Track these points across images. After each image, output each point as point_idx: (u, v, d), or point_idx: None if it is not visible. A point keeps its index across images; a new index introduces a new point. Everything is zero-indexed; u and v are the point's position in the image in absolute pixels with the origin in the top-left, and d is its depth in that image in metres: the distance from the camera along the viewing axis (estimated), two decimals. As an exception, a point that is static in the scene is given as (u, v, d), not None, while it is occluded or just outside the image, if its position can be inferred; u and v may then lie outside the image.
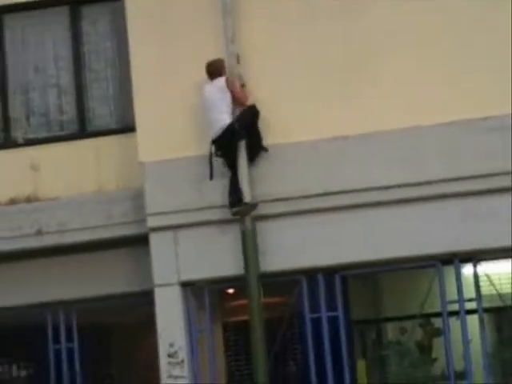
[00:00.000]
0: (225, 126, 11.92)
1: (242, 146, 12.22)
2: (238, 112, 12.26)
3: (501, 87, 12.11)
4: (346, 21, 12.66)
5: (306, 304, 12.47)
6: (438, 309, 12.59)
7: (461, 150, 11.73)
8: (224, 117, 11.97)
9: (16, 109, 14.45)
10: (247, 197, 12.10)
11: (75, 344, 13.67)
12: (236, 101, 12.10)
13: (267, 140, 12.31)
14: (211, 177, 12.44)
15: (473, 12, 12.64)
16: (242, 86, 12.34)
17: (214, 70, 12.20)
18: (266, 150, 12.15)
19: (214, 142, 12.03)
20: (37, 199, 13.49)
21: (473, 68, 12.33)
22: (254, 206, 12.13)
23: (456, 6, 12.62)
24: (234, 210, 12.15)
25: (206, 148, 12.17)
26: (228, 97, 12.05)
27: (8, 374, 16.90)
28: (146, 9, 13.18)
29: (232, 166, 12.24)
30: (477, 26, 12.57)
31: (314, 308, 12.54)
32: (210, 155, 12.23)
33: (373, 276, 14.10)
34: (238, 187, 12.15)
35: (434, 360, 14.03)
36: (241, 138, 12.09)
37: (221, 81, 12.05)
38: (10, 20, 14.44)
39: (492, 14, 12.54)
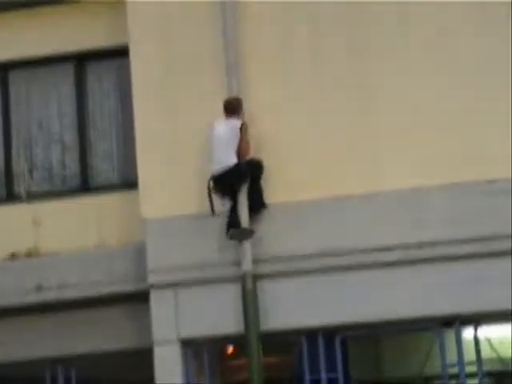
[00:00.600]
0: (231, 165, 11.63)
1: (244, 187, 11.94)
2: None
3: (507, 150, 12.02)
4: (352, 88, 12.45)
5: (306, 365, 12.24)
6: (438, 371, 12.38)
7: (464, 212, 11.65)
8: (231, 156, 11.70)
9: (19, 164, 14.37)
10: (244, 224, 11.85)
11: None
12: (239, 149, 11.85)
13: (269, 198, 12.17)
14: (213, 212, 12.14)
15: (480, 75, 12.43)
16: (249, 143, 12.25)
17: (232, 108, 11.97)
18: (265, 206, 11.92)
19: (215, 178, 11.72)
20: (38, 254, 13.34)
21: (479, 131, 12.24)
22: (251, 231, 11.84)
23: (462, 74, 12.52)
24: (230, 232, 11.89)
25: (207, 206, 11.94)
26: (237, 141, 11.81)
27: None
28: (151, 65, 13.03)
29: (233, 196, 11.88)
30: (484, 89, 12.31)
31: (314, 369, 12.30)
32: (209, 191, 11.97)
33: (373, 337, 13.88)
34: (237, 214, 11.93)
35: None
36: (245, 179, 11.79)
37: (236, 122, 11.78)
38: (14, 76, 14.43)
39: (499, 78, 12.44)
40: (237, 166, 11.77)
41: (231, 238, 11.94)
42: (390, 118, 12.35)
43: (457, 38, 12.54)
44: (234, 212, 11.94)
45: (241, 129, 11.85)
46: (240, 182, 11.92)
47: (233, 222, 11.97)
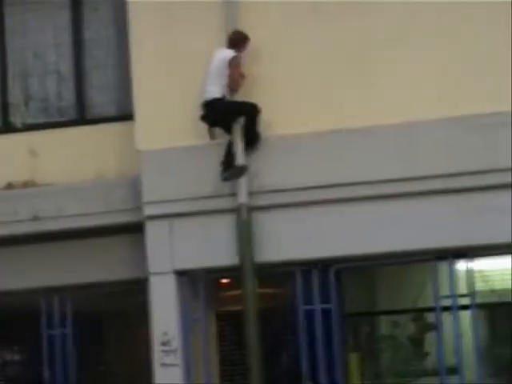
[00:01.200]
0: (209, 98, 11.60)
1: (239, 124, 11.91)
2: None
3: (500, 84, 12.04)
4: (349, 19, 12.41)
5: (300, 296, 12.49)
6: (431, 304, 12.61)
7: (458, 145, 11.64)
8: (214, 89, 11.68)
9: (15, 94, 14.40)
10: (239, 161, 11.99)
11: (69, 330, 13.66)
12: (229, 81, 11.82)
13: (267, 131, 12.23)
14: (211, 137, 12.18)
15: (475, 11, 12.46)
16: (242, 75, 12.12)
17: (232, 40, 11.95)
18: (260, 140, 11.84)
19: (202, 107, 11.69)
20: (34, 185, 13.48)
21: (473, 64, 12.25)
22: (243, 168, 11.93)
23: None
24: (225, 175, 11.97)
25: (203, 138, 12.09)
26: (225, 73, 11.77)
27: (1, 358, 16.93)
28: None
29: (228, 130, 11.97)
30: (477, 22, 12.31)
31: (308, 300, 12.52)
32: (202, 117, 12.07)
33: (367, 270, 14.05)
34: (231, 153, 12.02)
35: (426, 354, 13.99)
36: (234, 116, 11.70)
37: (227, 54, 11.78)
38: (10, 6, 14.34)
39: (493, 12, 12.38)
40: (221, 100, 11.68)
41: (225, 179, 12.01)
42: (387, 53, 12.30)
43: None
44: (229, 152, 11.94)
45: (231, 61, 11.79)
46: (228, 117, 11.85)
47: (227, 163, 11.95)
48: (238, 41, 12.04)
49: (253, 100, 12.38)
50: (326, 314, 12.46)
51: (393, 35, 12.71)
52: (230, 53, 11.85)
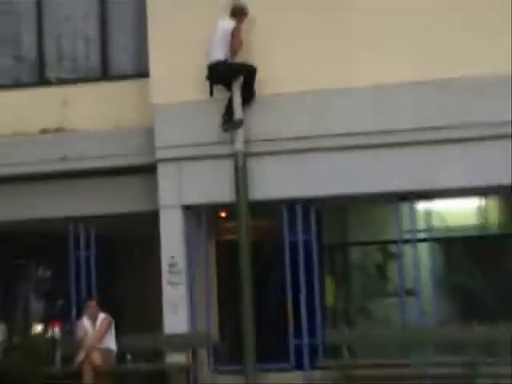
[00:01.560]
0: (214, 61, 13.09)
1: (238, 82, 13.36)
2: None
3: (474, 48, 13.27)
4: None
5: (286, 229, 13.91)
6: (394, 237, 14.19)
7: (425, 105, 13.10)
8: (218, 53, 13.12)
9: (50, 54, 15.71)
10: (237, 115, 13.32)
11: (92, 252, 15.09)
12: (231, 48, 13.24)
13: (260, 90, 13.57)
14: (211, 93, 13.56)
15: None
16: (241, 42, 13.49)
17: (234, 12, 13.36)
18: (255, 97, 13.32)
19: (208, 69, 13.13)
20: (63, 130, 14.82)
21: (448, 29, 13.36)
22: (241, 121, 13.26)
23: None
24: (225, 125, 13.35)
25: (207, 94, 13.48)
26: (228, 40, 13.19)
27: (34, 273, 17.99)
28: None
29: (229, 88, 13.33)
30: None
31: (292, 233, 13.97)
32: (207, 78, 13.42)
33: (342, 208, 15.35)
34: (231, 109, 13.36)
35: (389, 279, 15.40)
36: (234, 75, 13.21)
37: (230, 25, 13.17)
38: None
39: None
40: (223, 62, 13.21)
41: (225, 130, 13.41)
42: (364, 18, 13.60)
43: None
44: (229, 107, 13.39)
45: (233, 32, 13.22)
46: (230, 76, 13.33)
47: (227, 116, 13.45)
48: (238, 13, 13.43)
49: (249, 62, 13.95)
50: (307, 244, 14.03)
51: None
52: (231, 23, 13.26)
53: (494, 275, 15.18)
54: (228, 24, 13.38)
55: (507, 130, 13.06)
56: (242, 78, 13.56)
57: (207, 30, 13.77)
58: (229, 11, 13.70)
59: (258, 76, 13.80)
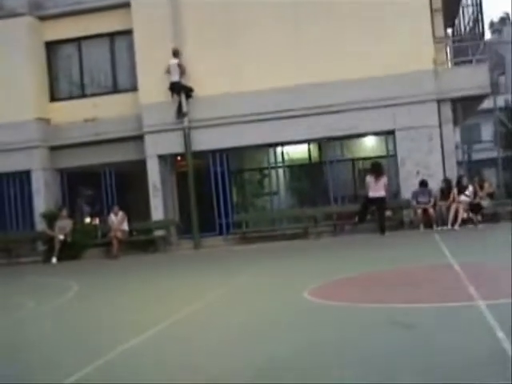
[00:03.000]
0: (173, 81, 19.57)
1: (183, 94, 19.70)
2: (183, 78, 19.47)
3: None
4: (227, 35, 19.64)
5: (211, 164, 20.00)
6: (267, 165, 20.99)
7: (284, 98, 19.10)
8: (175, 76, 19.55)
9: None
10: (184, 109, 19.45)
11: (113, 183, 21.04)
12: (179, 73, 19.56)
13: (197, 92, 19.77)
14: (172, 97, 19.77)
15: None
16: (184, 69, 19.75)
17: (174, 53, 19.69)
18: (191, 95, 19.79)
19: (170, 86, 19.59)
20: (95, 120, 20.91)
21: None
22: (185, 112, 19.45)
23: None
24: (178, 114, 19.72)
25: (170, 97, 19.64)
26: (178, 68, 19.62)
27: (85, 193, 22.97)
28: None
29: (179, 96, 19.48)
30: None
31: (216, 166, 20.13)
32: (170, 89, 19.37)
33: (240, 152, 20.91)
34: (181, 106, 19.80)
35: (264, 187, 21.56)
36: (182, 89, 19.63)
37: (175, 60, 19.57)
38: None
39: None
40: (178, 82, 19.60)
41: (178, 117, 19.63)
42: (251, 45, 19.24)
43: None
44: (180, 105, 19.70)
45: (179, 64, 19.50)
46: (180, 89, 19.71)
47: (178, 111, 19.76)
48: (176, 53, 19.65)
49: (192, 80, 19.75)
50: (222, 171, 20.25)
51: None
52: (175, 60, 19.58)
53: (309, 183, 20.93)
54: (174, 61, 19.65)
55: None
56: (185, 91, 19.85)
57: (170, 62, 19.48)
58: (172, 53, 19.69)
59: (193, 85, 19.89)
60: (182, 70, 20.07)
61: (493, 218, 18.81)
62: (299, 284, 9.54)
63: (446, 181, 18.87)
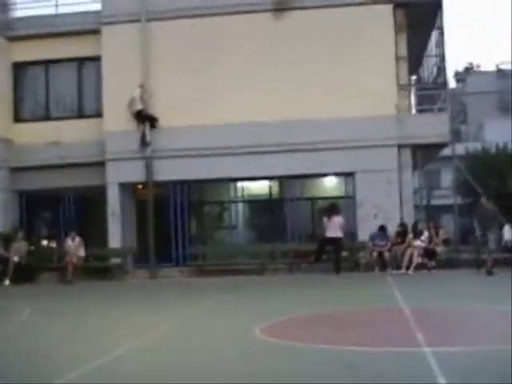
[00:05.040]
0: (137, 109, 19.83)
1: (148, 123, 19.90)
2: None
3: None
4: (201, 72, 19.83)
5: (172, 195, 20.22)
6: (227, 199, 21.32)
7: (258, 133, 19.43)
8: (139, 105, 19.76)
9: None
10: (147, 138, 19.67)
11: (72, 205, 21.27)
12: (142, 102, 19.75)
13: (163, 123, 19.95)
14: (137, 126, 19.87)
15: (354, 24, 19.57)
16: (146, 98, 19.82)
17: (140, 85, 19.92)
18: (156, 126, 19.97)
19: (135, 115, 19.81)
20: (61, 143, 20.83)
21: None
22: (149, 142, 19.65)
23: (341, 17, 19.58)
24: (142, 144, 19.89)
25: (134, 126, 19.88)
26: (139, 99, 19.88)
27: (44, 216, 23.32)
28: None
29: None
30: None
31: (176, 196, 20.25)
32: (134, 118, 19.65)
33: (202, 183, 21.14)
34: (144, 135, 20.02)
35: (224, 220, 21.71)
36: (147, 119, 19.82)
37: (137, 91, 19.88)
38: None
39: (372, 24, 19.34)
40: (141, 111, 19.81)
41: (142, 146, 19.81)
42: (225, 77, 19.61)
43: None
44: (143, 134, 19.95)
45: (141, 96, 19.75)
46: (145, 119, 19.91)
47: (142, 141, 19.98)
48: (142, 86, 19.97)
49: (157, 110, 19.94)
50: (182, 202, 20.37)
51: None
52: (138, 91, 19.83)
53: (268, 219, 20.94)
54: (137, 92, 19.96)
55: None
56: (149, 120, 20.05)
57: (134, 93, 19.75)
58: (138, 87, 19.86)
59: (159, 115, 20.05)
60: (144, 100, 20.32)
61: (447, 264, 19.08)
62: (251, 320, 9.70)
63: (403, 225, 19.24)
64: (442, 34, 21.15)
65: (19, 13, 22.70)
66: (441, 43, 21.22)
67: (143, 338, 8.80)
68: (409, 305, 10.68)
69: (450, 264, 19.28)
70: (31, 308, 12.64)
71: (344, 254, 19.25)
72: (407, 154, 20.15)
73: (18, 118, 22.32)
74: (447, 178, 42.07)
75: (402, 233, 19.12)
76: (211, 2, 20.55)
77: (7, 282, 19.53)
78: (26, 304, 13.00)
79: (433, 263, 18.84)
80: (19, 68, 22.42)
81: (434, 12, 20.80)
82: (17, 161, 21.61)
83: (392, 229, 19.37)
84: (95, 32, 21.26)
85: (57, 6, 22.11)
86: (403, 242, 18.96)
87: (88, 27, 21.49)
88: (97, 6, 21.72)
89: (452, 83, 48.39)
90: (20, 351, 8.33)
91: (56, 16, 22.07)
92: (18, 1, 22.63)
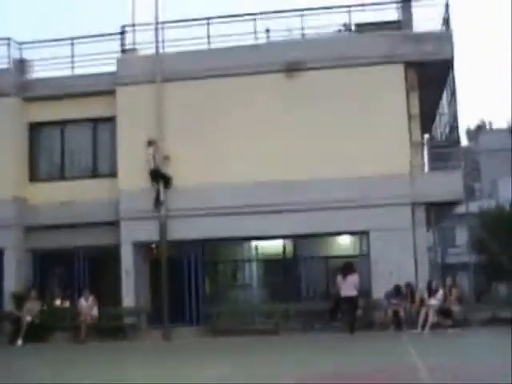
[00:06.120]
0: (153, 168, 19.99)
1: (162, 182, 20.08)
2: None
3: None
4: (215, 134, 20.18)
5: (186, 253, 20.16)
6: (241, 258, 21.18)
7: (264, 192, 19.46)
8: (152, 165, 19.92)
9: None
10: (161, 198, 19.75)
11: (86, 265, 21.20)
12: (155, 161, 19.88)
13: (177, 182, 20.13)
14: (152, 184, 19.97)
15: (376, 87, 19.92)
16: (166, 157, 20.16)
17: (149, 143, 20.12)
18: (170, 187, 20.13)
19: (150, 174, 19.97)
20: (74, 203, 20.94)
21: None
22: (163, 201, 19.70)
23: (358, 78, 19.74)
24: (156, 203, 19.92)
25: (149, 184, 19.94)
26: (151, 158, 20.05)
27: (57, 274, 22.86)
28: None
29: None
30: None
31: (189, 256, 20.36)
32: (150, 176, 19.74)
33: (217, 243, 20.94)
34: (159, 195, 20.07)
35: (238, 279, 21.52)
36: (161, 179, 20.01)
37: (151, 150, 20.08)
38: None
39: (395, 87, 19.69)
40: (157, 171, 20.00)
41: (156, 206, 19.89)
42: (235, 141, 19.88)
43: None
44: (157, 194, 19.92)
45: (153, 154, 20.02)
46: (159, 178, 20.04)
47: (156, 200, 19.96)
48: (151, 143, 20.14)
49: (171, 169, 20.04)
50: (197, 260, 20.27)
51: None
52: (151, 149, 20.07)
53: (282, 278, 20.91)
54: (150, 150, 20.19)
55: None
56: (163, 180, 20.18)
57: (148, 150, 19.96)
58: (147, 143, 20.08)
59: (173, 174, 20.16)
60: (157, 160, 20.46)
61: (463, 322, 18.95)
62: (268, 379, 9.72)
63: (409, 285, 19.40)
64: (453, 92, 21.27)
65: (35, 74, 22.88)
66: (453, 101, 21.37)
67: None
68: (425, 364, 10.63)
69: (466, 323, 19.10)
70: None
71: (359, 312, 19.07)
72: (421, 212, 20.22)
73: (32, 178, 22.48)
74: (462, 235, 42.05)
75: (410, 292, 19.33)
76: (224, 63, 20.81)
77: (20, 342, 19.49)
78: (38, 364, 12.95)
79: (449, 322, 18.64)
80: (35, 128, 22.72)
81: (446, 71, 20.98)
82: (31, 220, 21.72)
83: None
84: (110, 93, 21.51)
85: (73, 67, 22.27)
86: (412, 302, 18.97)
87: (103, 88, 21.71)
88: (112, 68, 21.92)
89: (464, 141, 48.52)
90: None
91: (71, 77, 22.27)
92: (35, 62, 22.78)
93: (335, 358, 13.20)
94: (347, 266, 18.82)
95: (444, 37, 20.55)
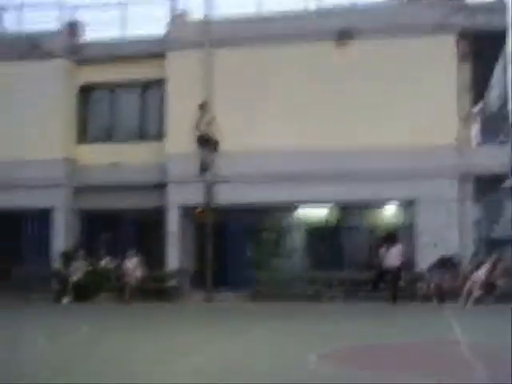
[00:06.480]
0: (200, 133, 20.14)
1: (209, 147, 20.14)
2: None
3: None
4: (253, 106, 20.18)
5: (230, 217, 20.51)
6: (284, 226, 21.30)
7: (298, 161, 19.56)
8: (200, 128, 20.11)
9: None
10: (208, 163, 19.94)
11: (135, 227, 21.77)
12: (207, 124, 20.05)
13: (224, 147, 20.20)
14: (198, 149, 19.95)
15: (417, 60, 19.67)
16: (213, 118, 20.25)
17: (201, 106, 20.37)
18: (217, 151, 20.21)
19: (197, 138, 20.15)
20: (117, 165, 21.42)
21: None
22: (209, 167, 19.97)
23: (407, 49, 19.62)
24: (201, 169, 20.19)
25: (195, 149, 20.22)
26: (203, 122, 20.13)
27: (102, 237, 22.82)
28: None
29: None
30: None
31: (233, 220, 20.73)
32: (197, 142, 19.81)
33: (266, 209, 20.90)
34: (205, 159, 20.32)
35: (281, 248, 21.45)
36: (208, 143, 20.17)
37: (202, 113, 20.18)
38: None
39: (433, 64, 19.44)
40: (204, 135, 20.17)
41: (202, 171, 20.04)
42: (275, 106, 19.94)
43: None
44: (203, 158, 20.21)
45: (205, 118, 20.20)
46: (206, 142, 20.26)
47: (202, 164, 20.20)
48: (203, 106, 20.34)
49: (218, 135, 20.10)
50: (241, 230, 20.83)
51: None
52: (202, 113, 20.17)
53: (325, 246, 21.07)
54: (201, 114, 20.28)
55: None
56: (211, 143, 20.36)
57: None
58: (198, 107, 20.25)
59: (220, 139, 20.36)
60: (207, 123, 20.54)
61: (508, 297, 18.71)
62: (308, 347, 9.75)
63: (453, 258, 19.43)
64: (506, 65, 21.15)
65: (86, 37, 23.12)
66: (506, 74, 21.24)
67: (197, 357, 8.87)
68: (466, 339, 10.61)
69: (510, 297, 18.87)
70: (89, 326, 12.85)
71: (401, 283, 19.07)
72: (468, 185, 20.07)
73: (82, 140, 22.78)
74: (510, 209, 41.38)
75: (454, 266, 19.37)
76: (273, 30, 20.80)
77: (65, 300, 19.92)
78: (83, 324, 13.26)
79: (492, 297, 18.48)
80: (85, 90, 22.99)
81: (499, 42, 20.69)
82: (79, 181, 22.09)
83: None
84: (159, 56, 21.66)
85: (123, 31, 22.37)
86: (456, 275, 18.98)
87: (153, 51, 21.88)
88: (162, 31, 22.06)
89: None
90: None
91: (122, 40, 22.43)
92: (86, 25, 23.03)
93: (373, 328, 13.20)
94: (390, 235, 18.80)
95: (498, 7, 20.08)
